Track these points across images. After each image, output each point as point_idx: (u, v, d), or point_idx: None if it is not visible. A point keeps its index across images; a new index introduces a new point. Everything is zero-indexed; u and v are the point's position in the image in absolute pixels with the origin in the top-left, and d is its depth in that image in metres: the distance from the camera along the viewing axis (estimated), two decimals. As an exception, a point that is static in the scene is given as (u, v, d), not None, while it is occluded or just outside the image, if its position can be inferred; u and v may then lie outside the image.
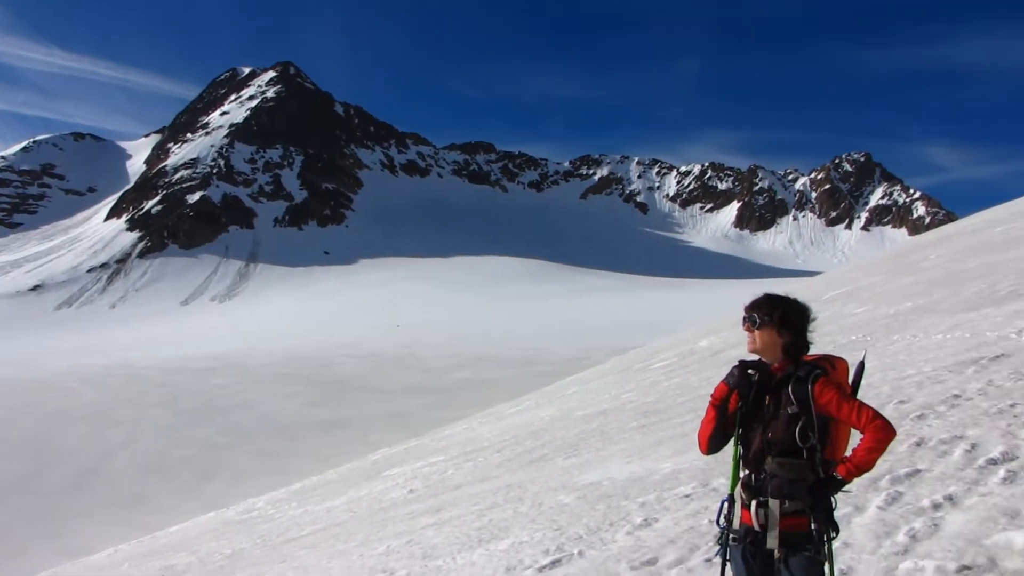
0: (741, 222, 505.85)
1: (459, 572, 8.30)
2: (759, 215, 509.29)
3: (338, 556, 11.22)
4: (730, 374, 3.87)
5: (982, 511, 5.74)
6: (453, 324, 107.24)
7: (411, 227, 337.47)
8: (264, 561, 13.00)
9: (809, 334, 3.85)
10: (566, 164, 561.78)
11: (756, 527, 3.67)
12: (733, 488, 3.86)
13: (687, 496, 8.52)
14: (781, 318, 3.76)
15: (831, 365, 3.78)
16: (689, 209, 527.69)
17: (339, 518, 15.57)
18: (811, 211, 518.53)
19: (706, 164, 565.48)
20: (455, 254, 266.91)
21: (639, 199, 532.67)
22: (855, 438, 3.69)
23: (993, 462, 6.67)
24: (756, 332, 3.79)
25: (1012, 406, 8.20)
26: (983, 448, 7.10)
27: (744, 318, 3.85)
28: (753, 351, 3.85)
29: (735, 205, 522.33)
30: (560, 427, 18.79)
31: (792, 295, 3.90)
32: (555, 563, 7.52)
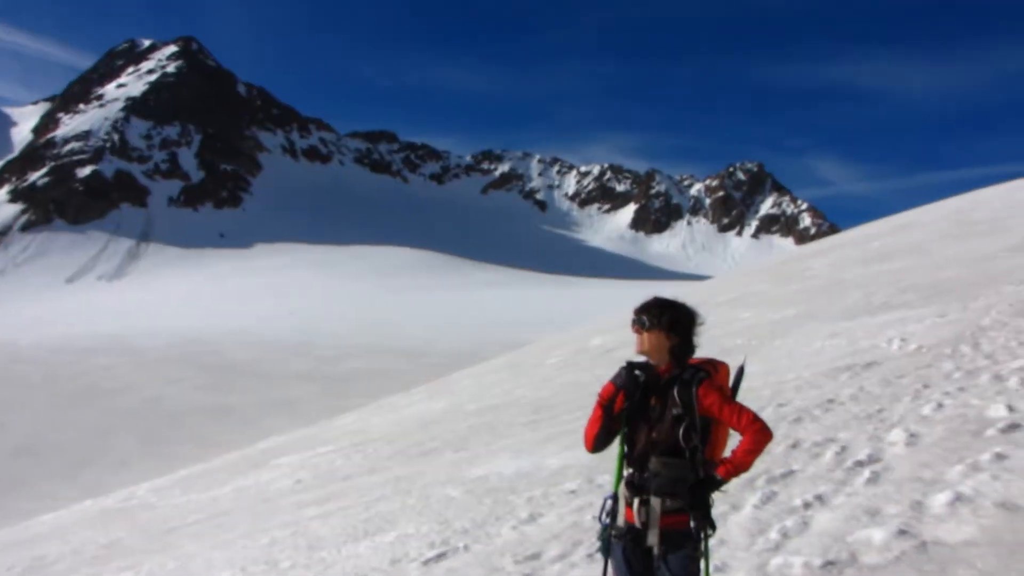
0: (637, 224, 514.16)
1: (344, 564, 8.29)
2: (655, 218, 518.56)
3: (222, 546, 11.05)
4: (617, 375, 3.97)
5: (847, 510, 6.06)
6: (348, 313, 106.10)
7: (310, 214, 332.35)
8: (143, 551, 12.68)
9: (696, 338, 3.99)
10: (468, 158, 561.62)
11: (638, 524, 3.79)
12: (617, 486, 3.96)
13: (572, 492, 8.70)
14: (670, 322, 3.87)
15: (714, 368, 3.92)
16: (587, 209, 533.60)
17: (224, 507, 15.30)
18: (705, 217, 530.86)
19: (605, 165, 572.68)
20: (353, 243, 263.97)
21: (539, 197, 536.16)
22: (734, 439, 3.86)
23: (860, 464, 7.03)
24: (645, 334, 3.89)
25: (880, 411, 8.63)
26: (852, 450, 7.48)
27: (633, 320, 3.94)
28: (641, 353, 3.96)
29: (632, 207, 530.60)
30: (451, 420, 18.87)
31: (681, 299, 4.03)
32: (440, 556, 7.59)
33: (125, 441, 37.83)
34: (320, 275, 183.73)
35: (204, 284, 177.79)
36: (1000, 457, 6.37)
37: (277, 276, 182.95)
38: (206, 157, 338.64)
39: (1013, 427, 7.05)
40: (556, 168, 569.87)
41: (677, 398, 3.75)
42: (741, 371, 4.02)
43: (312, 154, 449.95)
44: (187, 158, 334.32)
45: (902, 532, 5.42)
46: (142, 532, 15.08)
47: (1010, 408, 7.59)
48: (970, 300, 15.66)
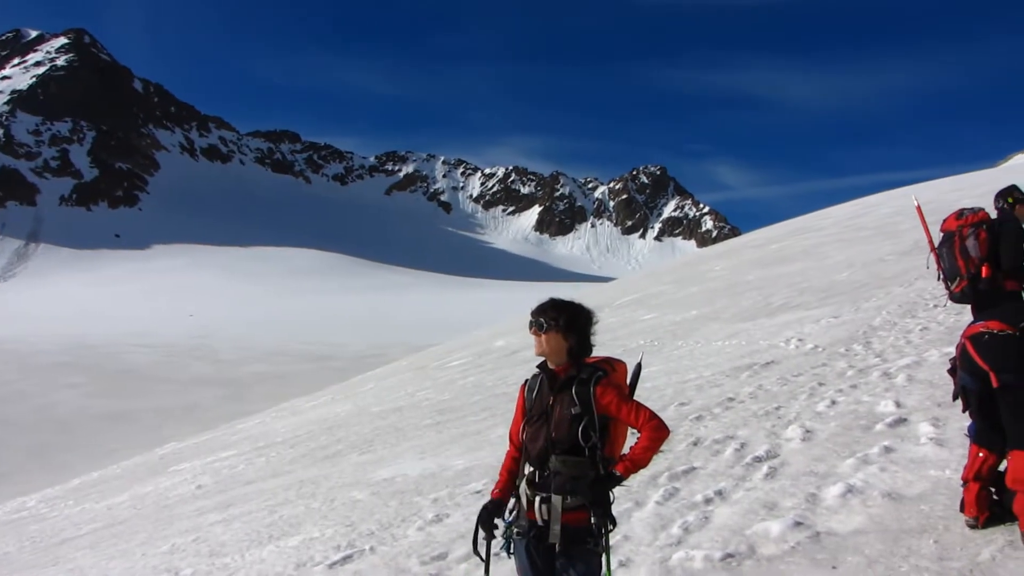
0: (541, 226, 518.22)
1: (248, 570, 8.14)
2: (559, 220, 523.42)
3: (119, 556, 10.70)
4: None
5: (746, 504, 6.22)
6: (250, 315, 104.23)
7: (210, 214, 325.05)
8: (34, 565, 12.15)
9: (592, 337, 4.03)
10: (372, 159, 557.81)
11: (540, 522, 3.82)
12: (519, 485, 4.01)
13: (478, 492, 8.72)
14: (567, 322, 3.90)
15: (611, 367, 3.96)
16: (492, 211, 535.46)
17: (121, 516, 14.81)
18: (608, 219, 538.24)
19: (510, 168, 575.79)
20: (255, 244, 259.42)
21: (443, 198, 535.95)
22: (632, 436, 3.91)
23: (758, 459, 7.23)
24: (543, 336, 3.91)
25: (777, 408, 8.90)
26: (751, 447, 7.68)
27: (530, 322, 3.96)
28: (539, 354, 3.98)
29: (536, 209, 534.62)
30: (355, 423, 18.70)
31: (577, 300, 4.07)
32: (346, 559, 7.51)
33: (13, 451, 36.17)
34: (221, 277, 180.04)
35: (99, 286, 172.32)
36: (888, 450, 6.64)
37: (176, 278, 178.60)
38: (100, 154, 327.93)
39: (900, 422, 7.35)
40: (461, 170, 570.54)
41: (575, 397, 3.78)
42: (638, 369, 4.08)
43: (212, 153, 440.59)
44: (79, 155, 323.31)
45: (797, 524, 5.60)
46: (32, 545, 14.42)
47: (898, 404, 7.92)
48: (862, 301, 16.25)
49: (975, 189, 37.15)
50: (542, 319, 3.88)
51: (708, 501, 6.49)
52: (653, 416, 3.70)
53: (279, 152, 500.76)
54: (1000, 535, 4.85)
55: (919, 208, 6.51)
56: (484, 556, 4.04)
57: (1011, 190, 6.41)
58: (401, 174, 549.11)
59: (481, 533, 4.00)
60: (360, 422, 18.60)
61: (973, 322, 5.24)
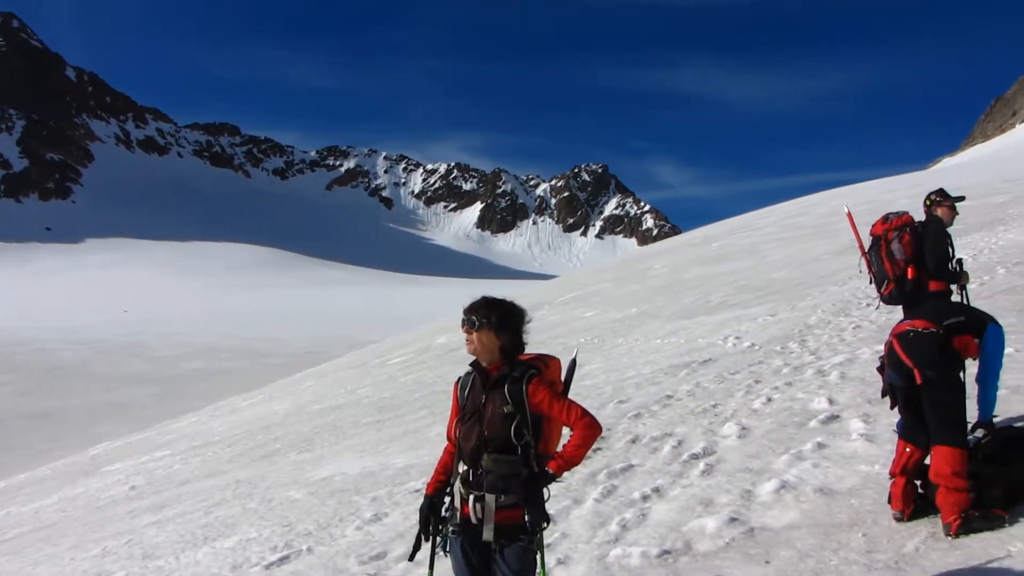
0: (483, 223, 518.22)
1: (182, 572, 8.01)
2: (501, 217, 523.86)
3: (46, 561, 10.43)
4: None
5: (683, 501, 6.30)
6: (186, 311, 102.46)
7: (146, 207, 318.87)
8: (-47, 572, 11.84)
9: (525, 335, 4.03)
10: (313, 153, 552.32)
11: (474, 520, 3.81)
12: (453, 483, 4.01)
13: (417, 491, 8.69)
14: (499, 320, 3.89)
15: (544, 365, 3.96)
16: (433, 207, 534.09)
17: (49, 519, 14.43)
18: (550, 216, 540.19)
19: (452, 164, 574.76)
20: (192, 239, 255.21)
21: (384, 194, 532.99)
22: (567, 432, 3.93)
23: (695, 457, 7.32)
24: (475, 334, 3.90)
25: (714, 406, 9.02)
26: (688, 444, 7.77)
27: (463, 321, 3.96)
28: (472, 352, 3.98)
29: (478, 206, 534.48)
30: (294, 421, 18.51)
31: (510, 298, 4.08)
32: (283, 560, 7.45)
33: (-65, 453, 35.15)
34: (157, 272, 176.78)
35: (28, 280, 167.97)
36: (821, 446, 6.77)
37: (110, 273, 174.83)
38: (30, 144, 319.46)
39: (833, 418, 7.50)
40: (403, 165, 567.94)
41: (508, 396, 3.78)
42: (573, 367, 4.10)
43: (149, 145, 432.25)
44: (7, 145, 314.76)
45: (733, 520, 5.68)
46: (-46, 550, 14.05)
47: (831, 401, 8.08)
48: (798, 300, 16.54)
49: (908, 190, 38.07)
50: (474, 317, 3.87)
51: (645, 498, 6.56)
52: (585, 414, 3.72)
53: (218, 145, 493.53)
54: (924, 527, 4.99)
55: (850, 215, 6.66)
56: (429, 554, 4.04)
57: (938, 192, 6.59)
58: (342, 169, 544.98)
59: (429, 531, 4.00)
60: (299, 420, 18.43)
61: (901, 321, 5.37)
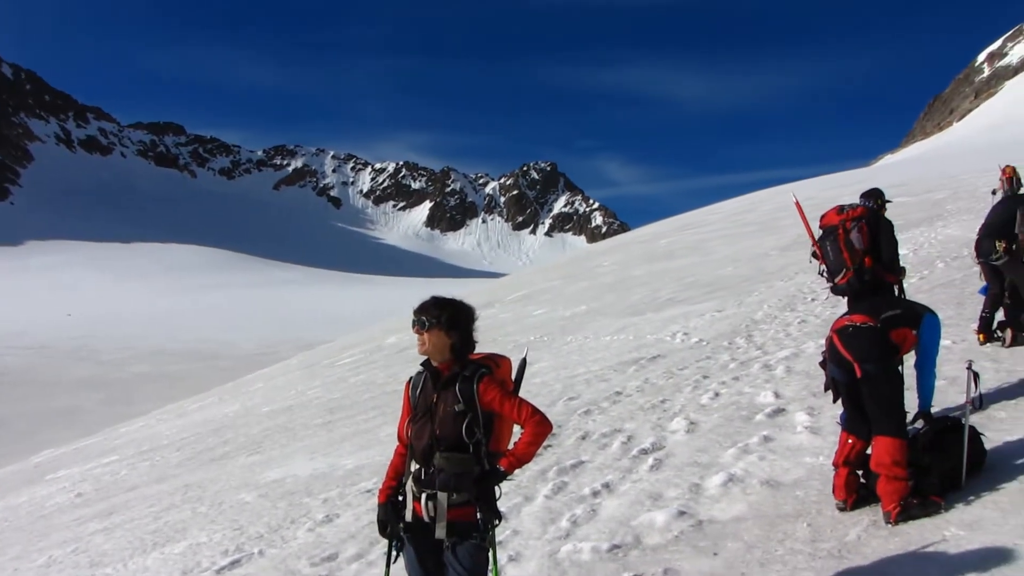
0: (432, 222, 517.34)
1: (130, 578, 7.93)
2: (450, 216, 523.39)
3: (-13, 571, 10.24)
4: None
5: (632, 496, 6.38)
6: (133, 314, 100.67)
7: (89, 208, 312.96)
8: None
9: (475, 334, 4.06)
10: (260, 153, 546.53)
11: (426, 518, 3.84)
12: (405, 482, 4.03)
13: (368, 491, 8.68)
14: (449, 320, 3.91)
15: (495, 364, 4.02)
16: (382, 206, 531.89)
17: (-9, 528, 14.17)
18: (499, 215, 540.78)
19: (401, 163, 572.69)
20: (137, 240, 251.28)
21: (333, 193, 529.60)
22: (517, 431, 3.97)
23: (644, 452, 7.40)
24: (425, 334, 3.92)
25: (663, 402, 9.12)
26: (637, 439, 7.86)
27: (413, 321, 3.97)
28: (423, 352, 3.99)
29: (427, 205, 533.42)
30: (244, 424, 18.33)
31: (459, 297, 4.10)
32: (234, 563, 7.39)
33: None
34: (101, 274, 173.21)
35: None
36: (767, 439, 6.90)
37: (52, 275, 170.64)
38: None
39: (778, 412, 7.65)
40: (351, 165, 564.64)
41: (459, 394, 3.82)
42: (523, 366, 4.14)
43: (91, 145, 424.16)
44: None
45: (681, 513, 5.77)
46: None
47: (776, 395, 8.23)
48: (745, 296, 16.77)
49: (852, 187, 38.68)
50: (424, 317, 3.89)
51: (596, 494, 6.63)
52: (536, 412, 3.77)
53: (163, 145, 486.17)
54: (866, 516, 5.13)
55: (798, 204, 6.78)
56: (386, 555, 4.06)
57: (879, 192, 6.75)
58: (290, 168, 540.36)
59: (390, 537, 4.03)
60: (249, 423, 18.25)
61: (840, 316, 5.51)
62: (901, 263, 6.18)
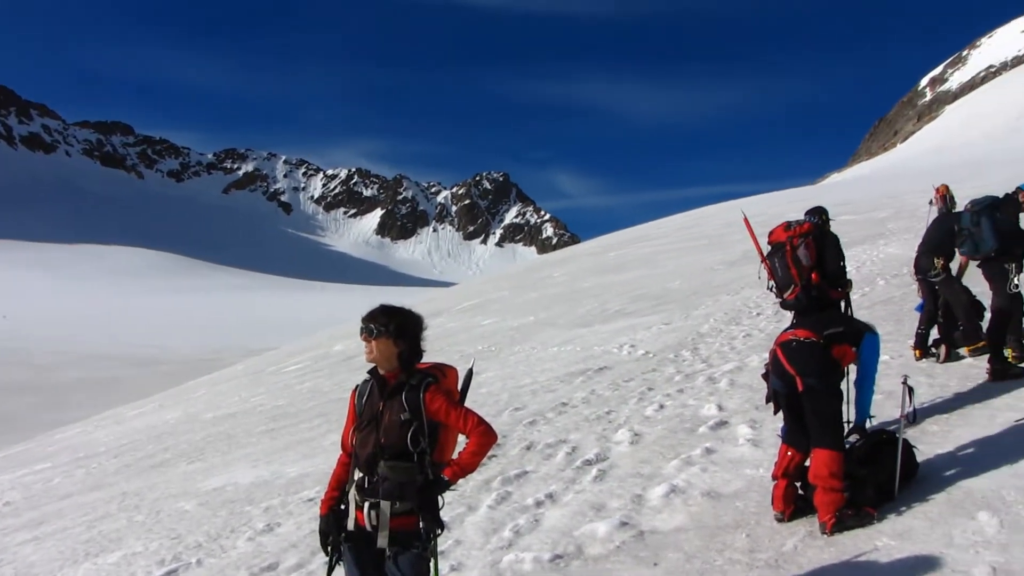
0: (383, 230, 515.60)
1: (61, 590, 7.75)
2: (401, 224, 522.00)
3: (-93, 587, 9.92)
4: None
5: (575, 506, 6.41)
6: (72, 317, 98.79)
7: (30, 208, 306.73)
8: None
9: (423, 343, 4.06)
10: (210, 156, 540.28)
11: (368, 527, 3.83)
12: (348, 491, 4.01)
13: (311, 500, 8.61)
14: (397, 328, 3.91)
15: (442, 373, 4.02)
16: (333, 213, 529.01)
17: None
18: (451, 224, 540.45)
19: (353, 169, 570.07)
20: (80, 241, 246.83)
21: (283, 198, 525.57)
22: (463, 440, 3.98)
23: (588, 463, 7.45)
24: (373, 342, 3.92)
25: (608, 413, 9.19)
26: (581, 450, 7.91)
27: (361, 329, 3.97)
28: (370, 360, 3.99)
29: (378, 212, 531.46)
30: (185, 431, 18.06)
31: (408, 306, 4.11)
32: (170, 573, 7.27)
33: None
34: (41, 275, 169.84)
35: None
36: (709, 451, 6.99)
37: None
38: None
39: (721, 424, 7.74)
40: (303, 170, 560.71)
41: (405, 403, 3.82)
42: (469, 376, 4.15)
43: (34, 142, 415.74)
44: None
45: (623, 524, 5.82)
46: None
47: (720, 407, 8.33)
48: (692, 309, 16.95)
49: (799, 203, 39.28)
50: (372, 325, 3.89)
51: (539, 504, 6.65)
52: (481, 422, 3.78)
53: (110, 144, 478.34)
54: (803, 526, 5.23)
55: (747, 221, 6.89)
56: (332, 568, 4.02)
57: (822, 210, 6.89)
58: (240, 172, 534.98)
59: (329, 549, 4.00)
60: (190, 430, 17.98)
61: (785, 330, 5.60)
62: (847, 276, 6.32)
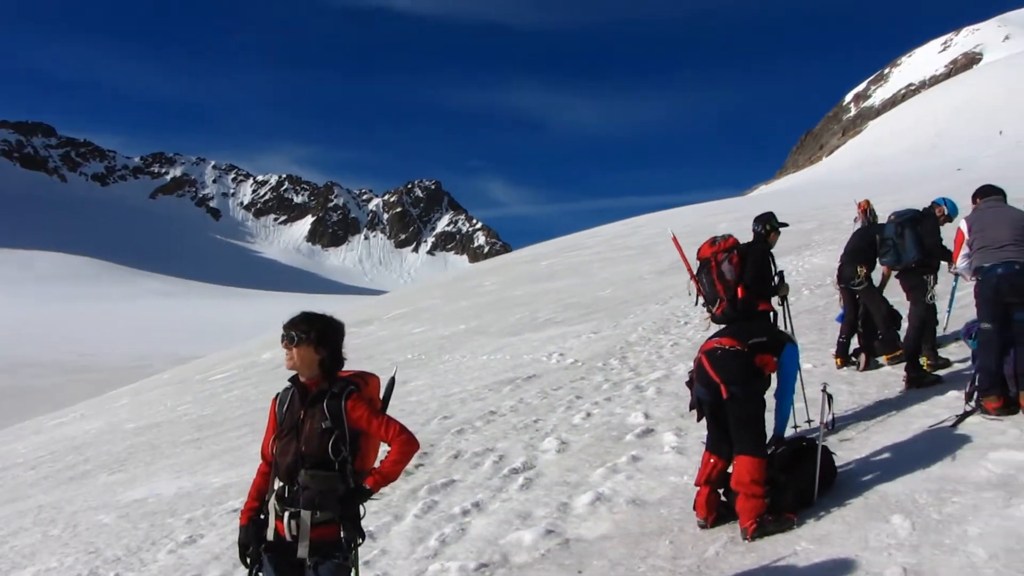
0: (314, 237, 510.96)
1: (-33, 609, 7.48)
2: (332, 231, 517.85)
3: None
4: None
5: (502, 514, 6.42)
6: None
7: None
8: None
9: (343, 350, 4.02)
10: (137, 159, 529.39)
11: (288, 537, 3.77)
12: (268, 500, 3.94)
13: (235, 510, 8.45)
14: (318, 336, 3.87)
15: (364, 381, 3.97)
16: (263, 219, 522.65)
17: None
18: (382, 232, 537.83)
19: (283, 176, 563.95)
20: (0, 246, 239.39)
21: (212, 204, 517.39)
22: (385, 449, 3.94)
23: (515, 471, 7.46)
24: (294, 349, 3.88)
25: (536, 421, 9.22)
26: (509, 459, 7.91)
27: (282, 336, 3.92)
28: (291, 367, 3.95)
29: (309, 219, 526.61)
30: (107, 441, 17.62)
31: (329, 313, 4.07)
32: (87, 588, 7.09)
33: None
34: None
35: None
36: (635, 459, 7.05)
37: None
38: None
39: (648, 432, 7.82)
40: (232, 175, 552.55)
41: (326, 411, 3.77)
42: (392, 384, 4.12)
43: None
44: None
45: (549, 532, 5.83)
46: None
47: (646, 415, 8.42)
48: (621, 318, 17.10)
49: (727, 214, 40.02)
50: (293, 332, 3.84)
51: (466, 513, 6.63)
52: (403, 430, 3.76)
53: (30, 146, 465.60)
54: (725, 533, 5.31)
55: (675, 239, 6.97)
56: None
57: (769, 217, 6.96)
58: (168, 177, 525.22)
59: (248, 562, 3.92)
60: (112, 439, 17.55)
61: (709, 338, 5.69)
62: (784, 280, 6.44)
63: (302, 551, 3.70)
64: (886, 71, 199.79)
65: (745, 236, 6.61)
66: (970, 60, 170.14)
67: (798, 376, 5.94)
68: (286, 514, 3.75)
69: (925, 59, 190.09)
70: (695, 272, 6.28)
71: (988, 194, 6.97)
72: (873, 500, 5.20)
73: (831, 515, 5.13)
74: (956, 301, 9.83)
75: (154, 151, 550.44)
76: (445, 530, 6.32)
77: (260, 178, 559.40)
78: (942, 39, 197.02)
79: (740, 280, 5.96)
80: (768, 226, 6.80)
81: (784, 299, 6.62)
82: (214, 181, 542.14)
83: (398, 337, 23.77)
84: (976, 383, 6.44)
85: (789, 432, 6.63)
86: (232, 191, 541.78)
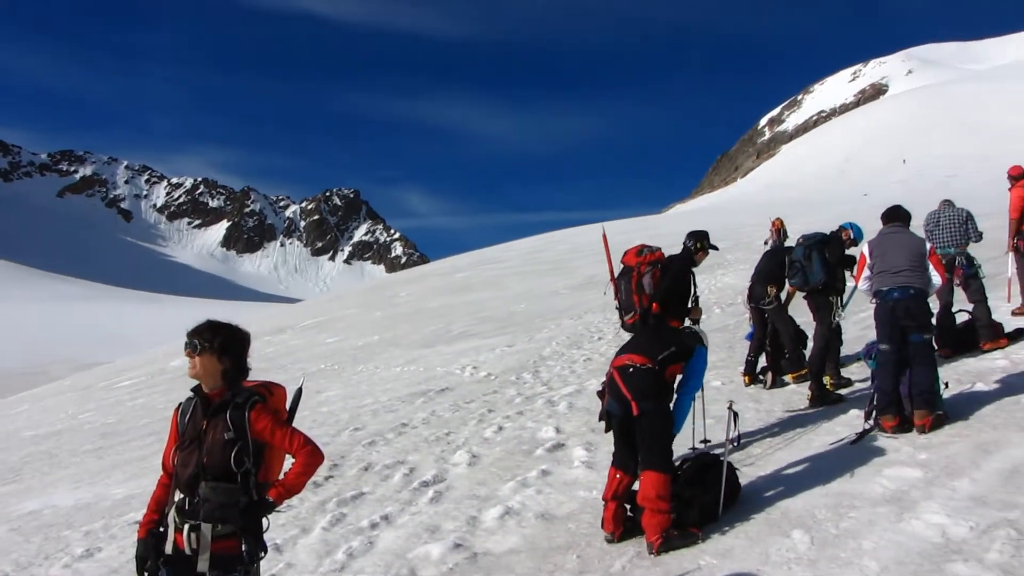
0: (229, 242, 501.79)
1: None
2: (247, 237, 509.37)
3: None
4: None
5: (411, 528, 6.38)
6: None
7: None
8: None
9: (248, 360, 3.95)
10: (44, 156, 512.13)
11: (188, 551, 3.66)
12: (168, 512, 3.84)
13: (136, 522, 8.19)
14: (222, 344, 3.80)
15: (269, 392, 3.90)
16: (176, 223, 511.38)
17: None
18: (299, 239, 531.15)
19: (199, 179, 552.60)
20: None
21: (124, 205, 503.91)
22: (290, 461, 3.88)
23: (426, 484, 7.42)
24: (197, 358, 3.79)
25: (448, 434, 9.19)
26: (419, 472, 7.87)
27: (185, 344, 3.83)
28: (194, 376, 3.85)
29: (224, 224, 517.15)
30: (1, 449, 16.98)
31: (234, 322, 3.99)
32: (-30, 606, 6.81)
33: None
34: None
35: None
36: (545, 473, 7.09)
37: None
38: None
39: (558, 446, 7.87)
40: (145, 177, 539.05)
41: (229, 422, 3.69)
42: (298, 395, 4.05)
43: None
44: None
45: (457, 546, 5.82)
46: None
47: (557, 430, 8.47)
48: (536, 332, 17.19)
49: (643, 232, 40.54)
50: (196, 340, 3.75)
51: (374, 526, 6.57)
52: (308, 442, 3.70)
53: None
54: (632, 547, 5.36)
55: (605, 238, 7.03)
56: None
57: (702, 235, 6.97)
58: (77, 176, 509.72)
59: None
60: (7, 448, 16.91)
61: (620, 353, 5.75)
62: (699, 303, 6.53)
63: (202, 565, 3.61)
64: (799, 97, 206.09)
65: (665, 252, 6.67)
66: (877, 91, 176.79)
67: (702, 385, 6.03)
68: (186, 527, 3.65)
69: (836, 88, 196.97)
70: (616, 276, 6.33)
71: (893, 218, 7.23)
72: (775, 515, 5.32)
73: (735, 530, 5.24)
74: (852, 303, 9.94)
75: (63, 148, 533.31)
76: (353, 543, 6.25)
77: (175, 180, 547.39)
78: (852, 69, 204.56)
79: (656, 296, 6.03)
80: (699, 244, 6.84)
81: (696, 322, 6.65)
82: (126, 182, 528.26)
83: (311, 346, 23.48)
84: (874, 402, 6.67)
85: (698, 447, 6.76)
86: (145, 193, 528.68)
